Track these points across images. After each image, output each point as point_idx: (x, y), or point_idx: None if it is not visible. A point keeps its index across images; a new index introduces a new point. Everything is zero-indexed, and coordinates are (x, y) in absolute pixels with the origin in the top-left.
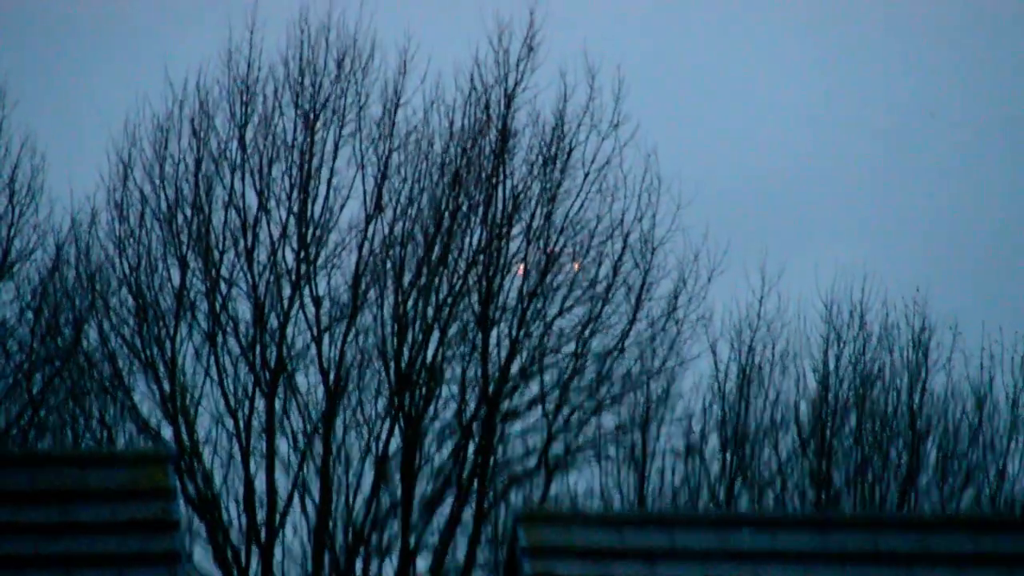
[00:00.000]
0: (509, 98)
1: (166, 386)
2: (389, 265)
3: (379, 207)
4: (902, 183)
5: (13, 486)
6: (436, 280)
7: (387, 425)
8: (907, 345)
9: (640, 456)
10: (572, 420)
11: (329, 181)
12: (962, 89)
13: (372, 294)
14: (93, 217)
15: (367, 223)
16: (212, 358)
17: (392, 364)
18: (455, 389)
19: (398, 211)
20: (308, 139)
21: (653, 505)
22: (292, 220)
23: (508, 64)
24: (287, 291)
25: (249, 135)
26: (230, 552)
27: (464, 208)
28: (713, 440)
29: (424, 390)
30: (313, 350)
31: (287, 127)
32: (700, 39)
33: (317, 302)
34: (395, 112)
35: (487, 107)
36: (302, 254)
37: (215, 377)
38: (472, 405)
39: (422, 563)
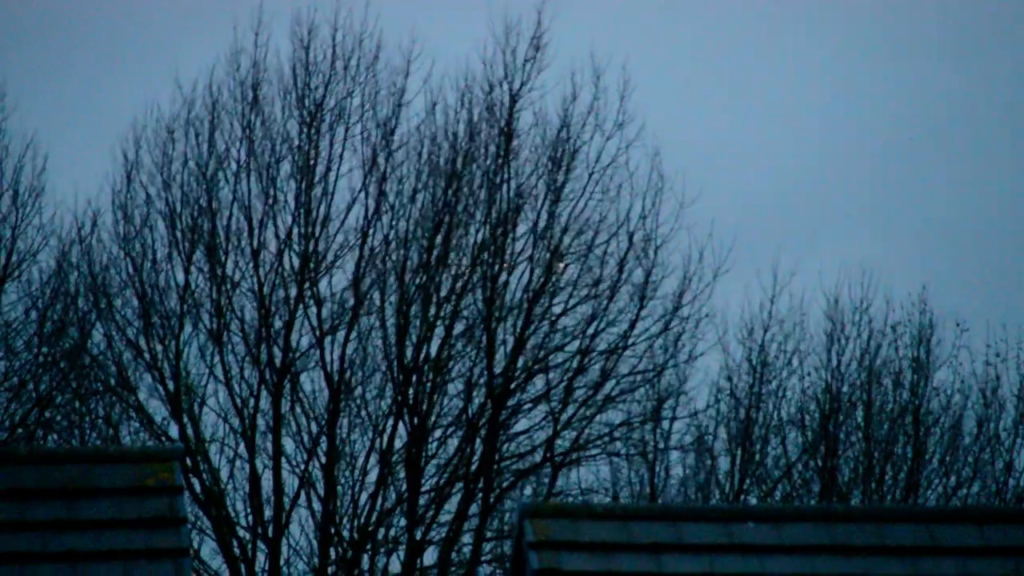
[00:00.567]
0: (514, 98)
1: (171, 385)
2: (391, 264)
3: (380, 207)
4: (909, 181)
5: (20, 483)
6: (438, 277)
7: (391, 421)
8: (912, 341)
9: (651, 452)
10: (577, 416)
11: (334, 182)
12: (970, 88)
13: (376, 293)
14: (96, 218)
15: (368, 223)
16: (217, 357)
17: (395, 360)
18: (460, 385)
19: (399, 210)
20: (312, 140)
21: (663, 500)
22: (297, 221)
23: (515, 64)
24: (292, 291)
25: (254, 137)
26: (237, 548)
27: (466, 206)
28: (722, 435)
29: (429, 385)
30: (318, 349)
31: (292, 128)
32: (709, 37)
33: (319, 302)
34: (399, 112)
35: (491, 107)
36: (306, 255)
37: (220, 376)
38: (478, 401)
39: (428, 558)
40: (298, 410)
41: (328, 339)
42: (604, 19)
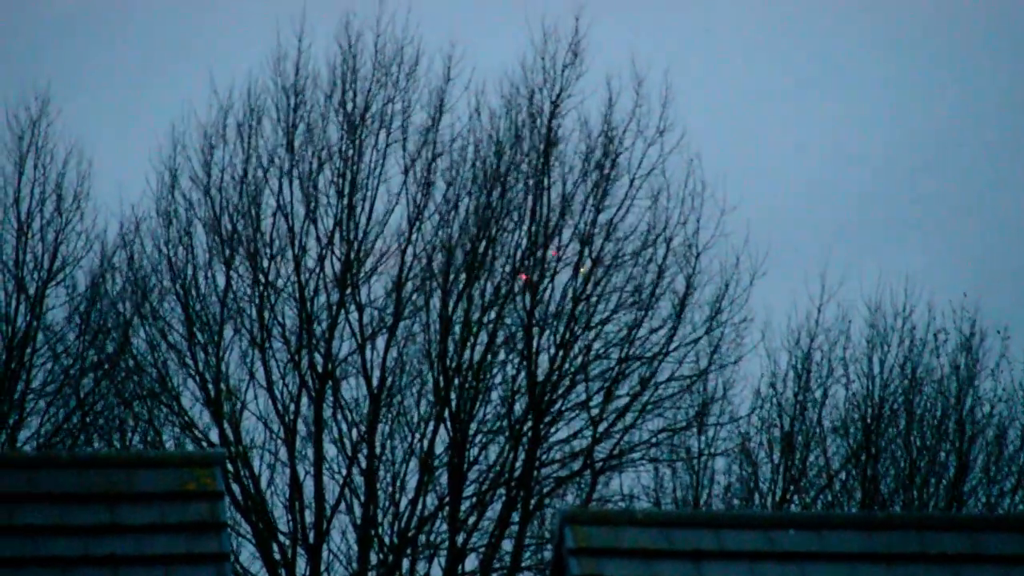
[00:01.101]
0: (554, 104)
1: (212, 390)
2: (433, 269)
3: (423, 213)
4: (953, 190)
5: (62, 488)
6: (480, 283)
7: (432, 426)
8: (956, 349)
9: (694, 458)
10: (619, 422)
11: (375, 187)
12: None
13: (417, 299)
14: (138, 223)
15: (411, 229)
16: (259, 362)
17: (437, 364)
18: (502, 391)
19: (442, 217)
20: (354, 145)
21: (705, 507)
22: (339, 226)
23: (554, 70)
24: (334, 296)
25: (296, 142)
26: (277, 553)
27: (508, 212)
28: (765, 442)
29: (471, 391)
30: (359, 354)
31: (333, 133)
32: (753, 43)
33: (361, 308)
34: (440, 118)
35: (532, 113)
36: (348, 261)
37: (262, 382)
38: (519, 407)
39: (469, 563)
40: (339, 415)
41: (369, 344)
42: (643, 25)
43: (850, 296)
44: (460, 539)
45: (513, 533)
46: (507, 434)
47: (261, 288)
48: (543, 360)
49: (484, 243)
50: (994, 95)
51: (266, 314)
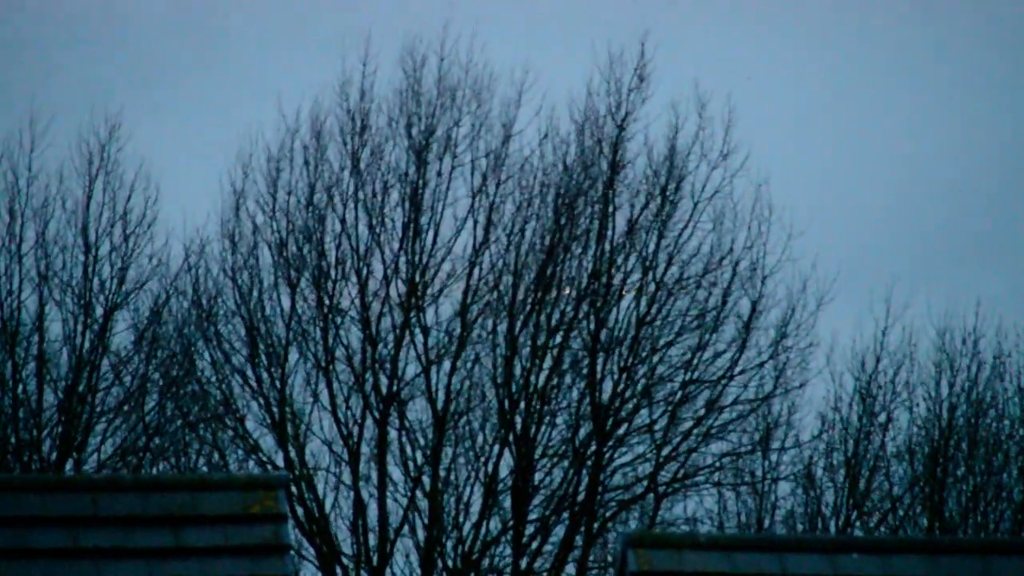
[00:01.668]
0: (620, 128)
1: (277, 413)
2: (497, 295)
3: (489, 236)
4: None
5: (126, 510)
6: (547, 307)
7: (496, 450)
8: (1020, 372)
9: (758, 482)
10: (683, 446)
11: (441, 210)
12: None
13: (482, 322)
14: (203, 246)
15: (476, 253)
16: (323, 385)
17: (503, 388)
18: (567, 416)
19: (509, 241)
20: (420, 170)
21: (768, 531)
22: (404, 249)
23: (620, 94)
24: (398, 319)
25: (362, 166)
26: (341, 575)
27: (575, 237)
28: (829, 467)
29: (536, 415)
30: (424, 377)
31: (399, 158)
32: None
33: (426, 331)
34: (508, 143)
35: (598, 138)
36: (413, 284)
37: (326, 404)
38: (583, 431)
39: None
40: (403, 438)
41: (434, 367)
42: (709, 49)
43: (919, 321)
44: (524, 563)
45: (576, 557)
46: (571, 458)
47: (326, 311)
48: (607, 384)
49: (551, 267)
50: None
51: (330, 337)
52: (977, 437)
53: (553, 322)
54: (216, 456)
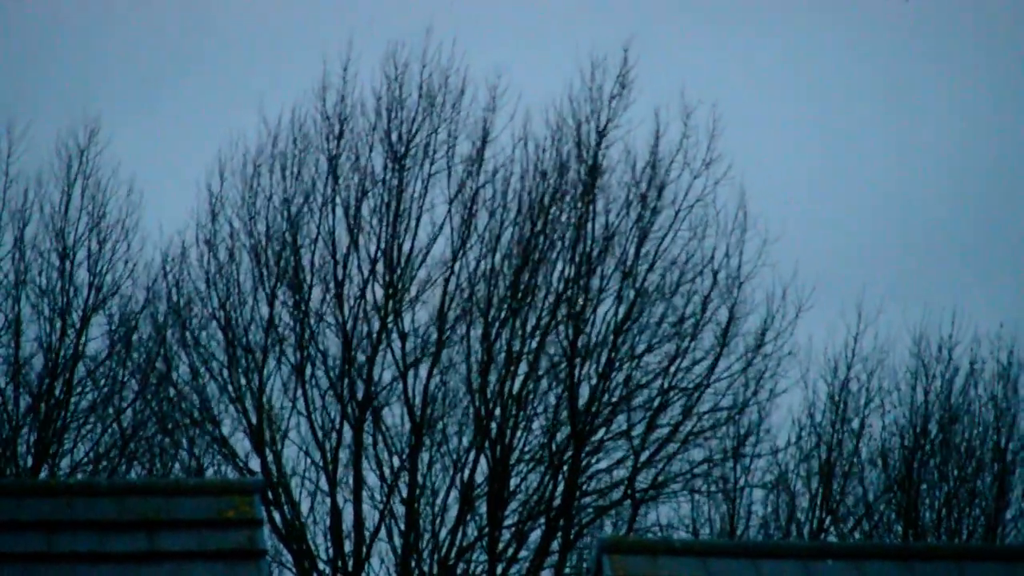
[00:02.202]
0: (600, 134)
1: (254, 418)
2: (476, 299)
3: (466, 242)
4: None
5: (101, 515)
6: (523, 313)
7: (473, 455)
8: (992, 379)
9: (731, 488)
10: (659, 453)
11: (418, 217)
12: None
13: (458, 328)
14: (183, 250)
15: (453, 259)
16: (300, 391)
17: (478, 394)
18: (543, 421)
19: (484, 247)
20: (398, 175)
21: (742, 537)
22: (381, 256)
23: (600, 101)
24: (375, 325)
25: (339, 171)
26: None
27: (551, 242)
28: (803, 473)
29: (512, 420)
30: (400, 383)
31: (377, 162)
32: (799, 75)
33: (403, 337)
34: (484, 148)
35: (578, 144)
36: (390, 290)
37: (303, 410)
38: (560, 436)
39: None
40: (380, 444)
41: (411, 373)
42: (691, 57)
43: (894, 329)
44: (500, 569)
45: (553, 563)
46: (547, 464)
47: (302, 316)
48: (584, 390)
49: (527, 273)
50: None
51: (307, 341)
52: (951, 443)
53: (529, 327)
54: (192, 461)
